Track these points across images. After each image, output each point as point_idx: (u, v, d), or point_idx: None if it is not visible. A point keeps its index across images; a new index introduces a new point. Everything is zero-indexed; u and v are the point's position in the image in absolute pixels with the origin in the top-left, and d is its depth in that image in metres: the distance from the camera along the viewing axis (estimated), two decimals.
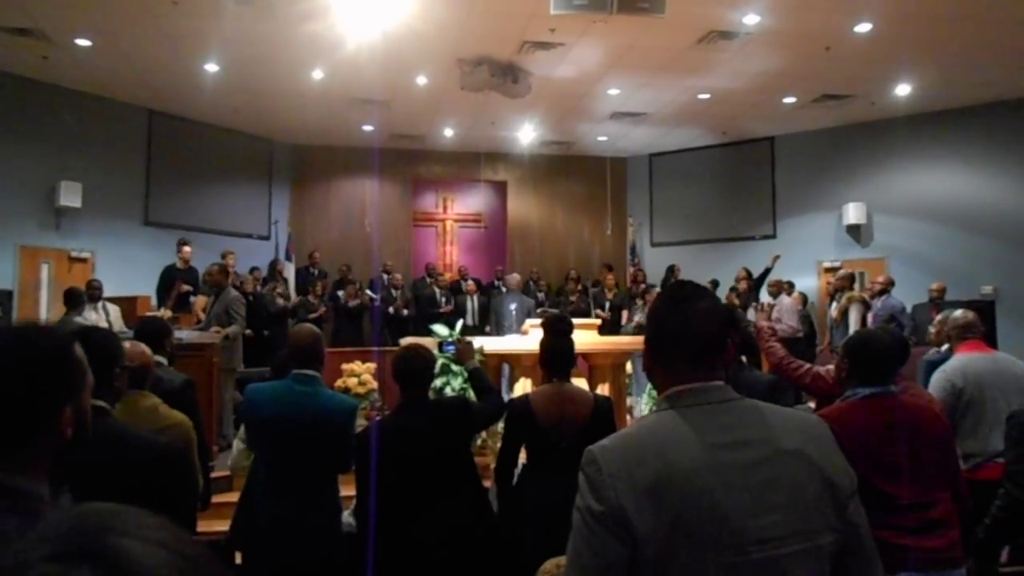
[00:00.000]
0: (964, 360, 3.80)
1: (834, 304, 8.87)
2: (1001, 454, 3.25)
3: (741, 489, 1.31)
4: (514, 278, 10.90)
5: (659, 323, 1.53)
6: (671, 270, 12.52)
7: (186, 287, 9.04)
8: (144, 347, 3.10)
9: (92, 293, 8.16)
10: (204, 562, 0.66)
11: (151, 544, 0.63)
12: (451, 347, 4.62)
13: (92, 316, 7.94)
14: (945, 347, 4.59)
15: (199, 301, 8.27)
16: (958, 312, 4.20)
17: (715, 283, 11.86)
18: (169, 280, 9.49)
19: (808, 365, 3.81)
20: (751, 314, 9.57)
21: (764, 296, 9.93)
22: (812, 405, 4.47)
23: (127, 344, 3.04)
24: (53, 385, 1.25)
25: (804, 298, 10.90)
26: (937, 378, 3.78)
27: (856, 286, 9.02)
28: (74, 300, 7.56)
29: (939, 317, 4.80)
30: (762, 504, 1.31)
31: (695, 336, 1.46)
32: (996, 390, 3.61)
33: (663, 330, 1.52)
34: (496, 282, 12.94)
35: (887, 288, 8.71)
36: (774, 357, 3.93)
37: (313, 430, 3.18)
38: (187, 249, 9.63)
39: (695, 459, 1.33)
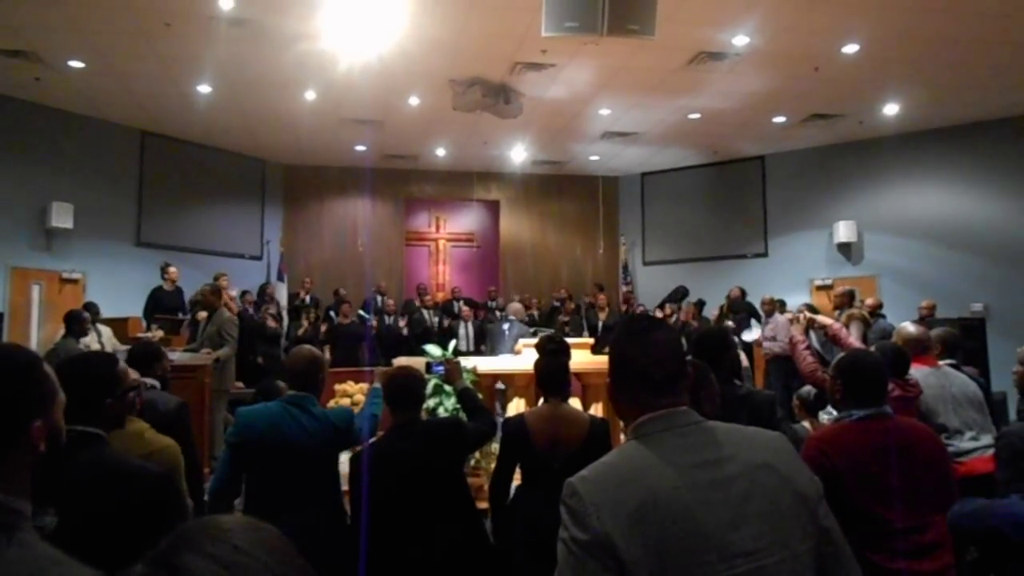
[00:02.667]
0: (915, 375, 3.85)
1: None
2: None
3: (720, 505, 1.36)
4: (516, 306, 10.92)
5: (620, 356, 1.60)
6: (681, 293, 12.39)
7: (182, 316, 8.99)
8: (129, 371, 3.08)
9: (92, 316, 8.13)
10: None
11: (212, 561, 0.70)
12: (439, 368, 4.60)
13: (85, 338, 7.91)
14: (942, 363, 4.57)
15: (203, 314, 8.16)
16: (909, 327, 4.28)
17: (701, 303, 11.87)
18: (156, 303, 9.47)
19: None
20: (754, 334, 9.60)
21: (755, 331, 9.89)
22: (807, 424, 4.47)
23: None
24: (18, 400, 1.27)
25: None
26: None
27: (857, 302, 9.06)
28: (72, 323, 7.50)
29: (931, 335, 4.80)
30: (741, 518, 1.36)
31: (655, 367, 1.52)
32: (948, 402, 3.88)
33: (624, 363, 1.58)
34: (490, 303, 12.96)
35: (876, 310, 8.76)
36: (807, 367, 4.04)
37: (308, 445, 3.16)
38: (172, 270, 9.60)
39: (672, 480, 1.37)
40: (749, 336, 9.62)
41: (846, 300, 8.85)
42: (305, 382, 3.30)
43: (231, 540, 0.74)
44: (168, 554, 0.72)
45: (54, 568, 1.19)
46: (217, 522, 0.77)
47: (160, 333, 8.46)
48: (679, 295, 11.87)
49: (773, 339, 9.12)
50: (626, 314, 12.13)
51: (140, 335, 8.38)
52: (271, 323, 10.46)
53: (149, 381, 3.49)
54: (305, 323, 11.09)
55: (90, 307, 8.35)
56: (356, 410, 7.55)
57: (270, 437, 3.17)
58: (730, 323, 10.27)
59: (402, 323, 11.78)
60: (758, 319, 10.70)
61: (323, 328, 11.16)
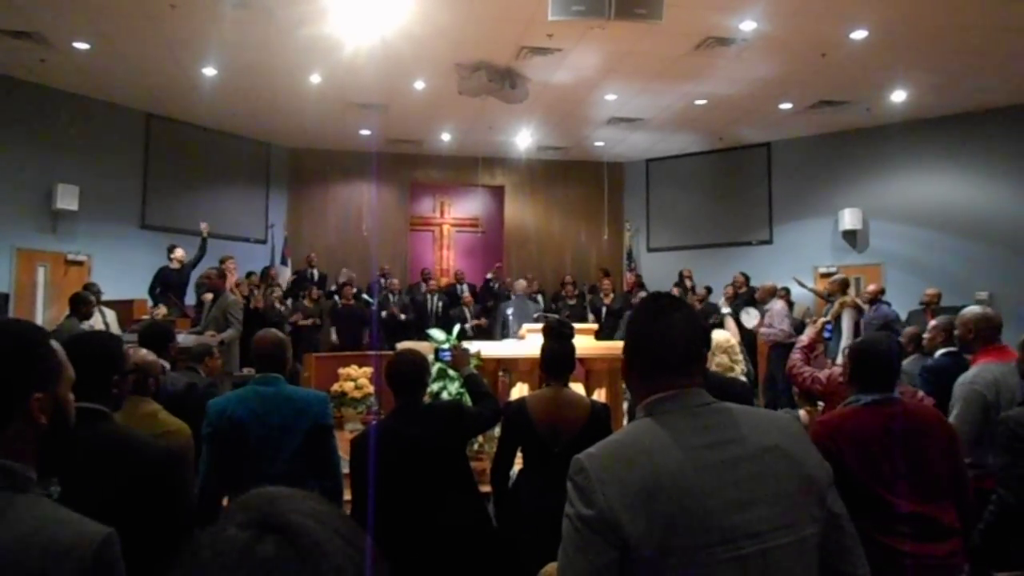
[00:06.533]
0: (996, 372, 3.54)
1: (828, 309, 8.86)
2: None
3: (727, 486, 1.36)
4: (520, 284, 10.94)
5: (636, 335, 1.59)
6: (686, 280, 12.41)
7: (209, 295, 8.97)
8: (147, 353, 3.09)
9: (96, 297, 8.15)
10: (368, 553, 0.72)
11: (328, 529, 0.70)
12: (446, 354, 4.63)
13: (88, 320, 7.93)
14: (940, 352, 4.55)
15: (208, 295, 8.17)
16: (976, 309, 3.84)
17: (708, 289, 11.90)
18: (162, 281, 9.51)
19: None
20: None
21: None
22: (803, 413, 4.49)
23: (129, 350, 3.03)
24: (16, 372, 1.31)
25: (792, 303, 10.74)
26: (967, 391, 3.54)
27: (851, 291, 9.01)
28: (77, 304, 7.52)
29: (934, 323, 4.78)
30: (749, 499, 1.35)
31: (672, 347, 1.51)
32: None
33: (641, 342, 1.57)
34: (488, 276, 12.98)
35: (877, 296, 8.72)
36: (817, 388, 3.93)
37: (286, 422, 3.15)
38: (179, 251, 9.64)
39: (680, 460, 1.37)
40: (748, 321, 9.61)
41: (838, 288, 8.80)
42: (272, 363, 3.29)
43: (312, 501, 0.73)
44: (266, 514, 0.69)
45: (59, 522, 1.23)
46: (282, 489, 0.74)
47: (163, 311, 8.48)
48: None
49: (769, 326, 9.13)
50: (627, 296, 12.15)
51: (144, 316, 8.41)
52: (276, 306, 10.49)
53: (160, 362, 3.50)
54: (308, 303, 11.07)
55: (91, 287, 8.33)
56: (361, 394, 7.59)
57: (245, 420, 3.14)
58: (726, 309, 10.25)
59: (397, 310, 11.72)
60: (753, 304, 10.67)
61: (312, 320, 11.15)
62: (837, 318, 8.37)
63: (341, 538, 0.70)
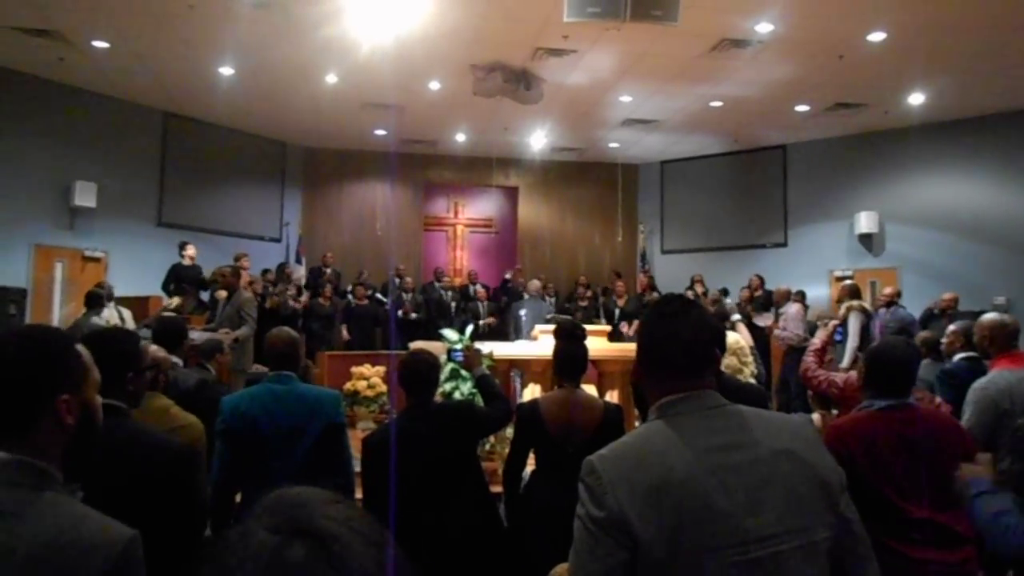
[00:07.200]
0: (1010, 379, 3.51)
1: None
2: None
3: (738, 489, 1.35)
4: (534, 284, 10.93)
5: (649, 337, 1.58)
6: (696, 284, 12.42)
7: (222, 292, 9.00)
8: (156, 348, 3.12)
9: (108, 293, 8.24)
10: (395, 559, 0.72)
11: (356, 534, 0.70)
12: (459, 354, 4.63)
13: (104, 315, 8.01)
14: (959, 356, 4.51)
15: (223, 293, 8.19)
16: (994, 315, 3.85)
17: (724, 291, 11.85)
18: (175, 277, 9.56)
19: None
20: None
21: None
22: (816, 416, 4.46)
23: (148, 347, 3.05)
24: (44, 374, 1.33)
25: (807, 307, 10.67)
26: (980, 396, 3.53)
27: (867, 297, 8.94)
28: (92, 301, 7.63)
29: (952, 328, 4.74)
30: (759, 503, 1.35)
31: (684, 349, 1.50)
32: None
33: (653, 344, 1.56)
34: (506, 276, 12.98)
35: (893, 300, 8.65)
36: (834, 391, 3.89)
37: (299, 421, 3.16)
38: (191, 248, 9.70)
39: (691, 463, 1.36)
40: (761, 321, 9.58)
41: (847, 294, 8.73)
42: (285, 361, 3.30)
43: (342, 505, 0.73)
44: (296, 519, 0.69)
45: (85, 522, 1.24)
46: (311, 491, 0.74)
47: (177, 300, 8.54)
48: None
49: (784, 329, 9.09)
50: (640, 298, 12.12)
51: (166, 312, 8.46)
52: (290, 303, 10.54)
53: (173, 358, 3.53)
54: (323, 300, 11.11)
55: (101, 285, 8.42)
56: (373, 393, 7.60)
57: (259, 417, 3.15)
58: (736, 316, 10.18)
59: (410, 310, 11.71)
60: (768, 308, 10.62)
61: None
62: (845, 321, 8.31)
63: (371, 544, 0.70)
